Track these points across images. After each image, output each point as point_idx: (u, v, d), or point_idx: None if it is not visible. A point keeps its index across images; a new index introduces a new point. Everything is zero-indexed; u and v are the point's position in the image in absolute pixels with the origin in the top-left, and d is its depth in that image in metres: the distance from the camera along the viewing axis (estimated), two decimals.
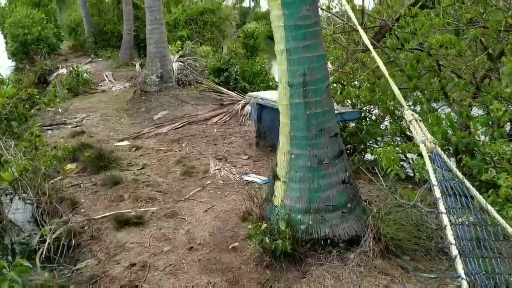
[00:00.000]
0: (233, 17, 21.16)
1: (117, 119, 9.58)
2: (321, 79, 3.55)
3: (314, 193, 3.66)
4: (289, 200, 3.75)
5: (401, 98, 2.71)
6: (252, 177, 5.96)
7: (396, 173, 3.98)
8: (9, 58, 22.64)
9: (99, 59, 21.91)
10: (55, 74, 17.94)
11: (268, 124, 7.11)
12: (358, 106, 6.63)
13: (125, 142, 7.92)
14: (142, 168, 6.68)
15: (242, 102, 9.46)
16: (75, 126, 9.19)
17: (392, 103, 5.54)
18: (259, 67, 12.31)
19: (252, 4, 74.23)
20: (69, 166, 7.05)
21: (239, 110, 9.24)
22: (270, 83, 12.52)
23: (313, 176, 3.64)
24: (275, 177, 3.95)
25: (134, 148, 7.53)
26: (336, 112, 5.39)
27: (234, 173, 6.23)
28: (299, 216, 3.68)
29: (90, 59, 21.76)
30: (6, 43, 23.16)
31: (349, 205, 3.76)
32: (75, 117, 9.81)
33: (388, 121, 6.49)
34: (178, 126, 8.54)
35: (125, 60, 19.17)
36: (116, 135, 8.48)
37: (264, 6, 74.28)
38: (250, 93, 7.26)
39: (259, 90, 11.79)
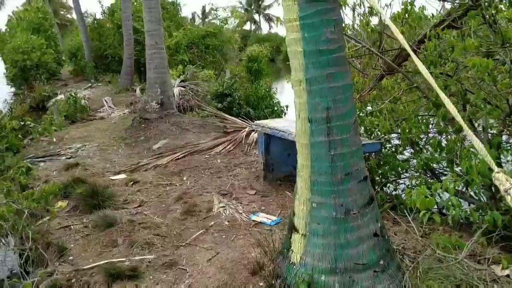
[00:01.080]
0: (235, 40, 20.82)
1: (115, 149, 9.01)
2: (347, 113, 2.98)
3: (341, 249, 3.04)
4: (310, 257, 3.13)
5: (487, 156, 1.96)
6: (261, 217, 5.34)
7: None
8: (7, 84, 22.26)
9: (99, 84, 21.54)
10: (53, 100, 17.49)
11: (277, 156, 6.54)
12: (375, 136, 6.07)
13: (122, 176, 7.32)
14: (139, 206, 6.07)
15: (247, 129, 8.90)
16: (70, 158, 8.62)
17: (415, 131, 4.95)
18: (263, 91, 11.80)
19: (253, 27, 74.91)
20: (59, 203, 6.47)
21: (243, 138, 8.68)
22: (275, 108, 12.00)
23: (339, 229, 3.03)
24: (293, 228, 3.33)
25: (131, 183, 6.92)
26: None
27: (240, 211, 5.61)
28: (323, 278, 3.06)
29: (89, 84, 21.39)
30: (6, 69, 22.88)
31: (381, 262, 3.14)
32: (70, 148, 9.25)
33: (407, 151, 5.92)
34: (179, 157, 7.96)
35: (125, 85, 18.77)
36: (112, 167, 7.89)
37: (265, 28, 74.92)
38: (257, 122, 6.70)
39: (264, 115, 11.30)
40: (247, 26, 69.80)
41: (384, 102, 4.96)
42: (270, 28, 75.42)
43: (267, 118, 11.32)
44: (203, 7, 64.78)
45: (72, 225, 5.63)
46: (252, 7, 71.79)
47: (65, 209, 6.29)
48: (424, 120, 5.33)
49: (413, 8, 4.81)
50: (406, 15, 4.73)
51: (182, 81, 14.30)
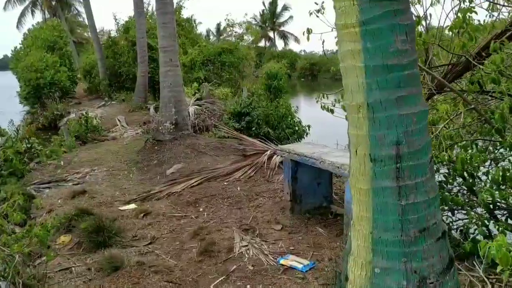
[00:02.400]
0: (251, 57, 20.25)
1: (125, 175, 8.33)
2: (422, 149, 2.23)
3: None
4: None
5: None
6: (290, 261, 4.56)
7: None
8: (20, 102, 21.94)
9: (113, 102, 21.10)
10: (65, 119, 17.04)
11: (305, 185, 5.79)
12: None
13: (132, 206, 6.62)
14: (149, 244, 5.34)
15: (268, 152, 8.17)
16: (77, 184, 7.96)
17: (475, 161, 4.15)
18: (284, 110, 11.08)
19: (268, 44, 74.81)
20: (62, 238, 5.80)
21: (265, 161, 7.94)
22: (296, 128, 11.25)
23: None
24: None
25: (142, 214, 6.21)
26: None
27: (266, 252, 4.84)
28: None
29: (103, 103, 20.97)
30: (21, 87, 22.62)
31: None
32: (78, 172, 8.60)
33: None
34: (195, 184, 7.24)
35: (139, 103, 18.27)
36: (122, 195, 7.20)
37: (279, 45, 74.79)
38: (281, 147, 5.97)
39: (284, 136, 10.56)
40: (261, 43, 69.74)
41: (438, 128, 4.17)
42: (285, 45, 75.31)
43: (288, 139, 10.60)
44: (218, 24, 64.91)
45: (74, 266, 4.91)
46: (267, 24, 71.81)
47: (68, 244, 5.61)
48: (483, 148, 4.54)
49: (471, 17, 4.05)
50: (465, 24, 3.97)
51: (197, 99, 13.69)
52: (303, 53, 70.17)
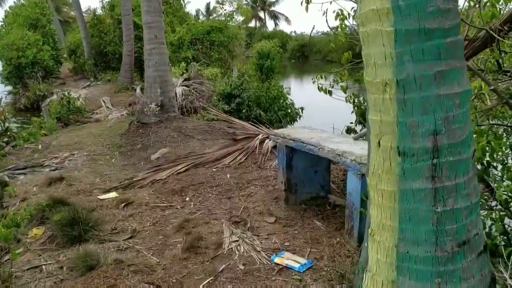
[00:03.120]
0: (241, 36, 19.53)
1: (107, 160, 7.78)
2: (465, 141, 1.73)
3: None
4: None
5: None
6: (286, 259, 4.09)
7: None
8: (1, 82, 21.08)
9: (98, 83, 20.38)
10: (48, 100, 16.32)
11: (301, 173, 5.31)
12: None
13: (113, 194, 6.10)
14: (130, 238, 4.84)
15: (260, 136, 7.66)
16: (55, 169, 7.40)
17: (499, 152, 3.68)
18: (276, 91, 10.53)
19: (258, 24, 73.66)
20: (34, 231, 5.28)
21: (256, 146, 7.44)
22: (289, 110, 10.72)
23: None
24: None
25: (123, 204, 5.70)
26: None
27: (258, 248, 4.37)
28: None
29: (88, 83, 20.26)
30: (2, 66, 21.73)
31: None
32: (56, 157, 8.03)
33: None
34: (181, 170, 6.72)
35: (125, 84, 17.60)
36: (102, 182, 6.67)
37: (270, 26, 73.73)
38: (276, 131, 5.45)
39: (276, 119, 10.04)
40: (252, 23, 68.67)
41: None
42: (275, 26, 74.29)
43: (280, 122, 10.09)
44: (207, 4, 63.61)
45: (45, 264, 4.41)
46: (257, 3, 70.60)
47: (41, 238, 5.10)
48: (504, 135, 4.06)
49: None
50: None
51: (185, 80, 13.08)
52: (293, 34, 69.24)
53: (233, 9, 20.64)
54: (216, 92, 11.28)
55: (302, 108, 10.76)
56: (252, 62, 12.99)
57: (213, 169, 6.75)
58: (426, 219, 1.76)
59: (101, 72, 21.34)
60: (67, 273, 4.19)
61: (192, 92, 11.75)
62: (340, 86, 5.82)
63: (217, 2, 18.43)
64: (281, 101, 10.57)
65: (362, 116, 6.53)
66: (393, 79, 1.67)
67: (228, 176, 6.46)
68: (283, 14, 74.77)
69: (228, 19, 18.04)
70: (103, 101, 15.00)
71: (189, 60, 15.41)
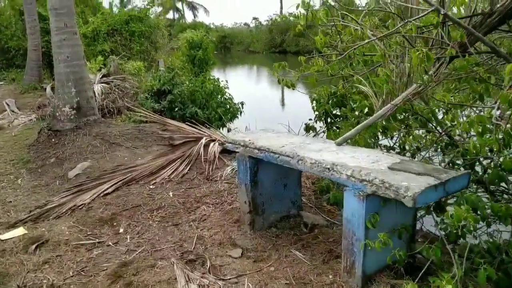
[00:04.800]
0: (163, 25, 17.96)
1: (11, 181, 6.17)
2: None
3: None
4: None
5: None
6: None
7: None
8: None
9: (0, 83, 17.85)
10: None
11: (269, 190, 4.22)
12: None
13: (19, 231, 4.62)
14: None
15: (203, 140, 6.46)
16: None
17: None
18: (212, 85, 9.33)
19: (176, 15, 71.44)
20: None
21: (200, 152, 6.24)
22: (228, 106, 9.57)
23: None
24: None
25: (34, 246, 4.26)
26: (433, 180, 2.81)
27: None
28: None
29: None
30: None
31: None
32: None
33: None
34: (109, 191, 5.36)
35: (32, 83, 15.38)
36: (4, 214, 5.12)
37: (189, 17, 71.90)
38: (233, 137, 4.27)
39: (216, 117, 8.86)
40: (169, 15, 66.45)
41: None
42: (194, 17, 72.73)
43: (220, 120, 8.93)
44: None
45: None
46: None
47: None
48: None
49: None
50: None
51: (104, 76, 11.42)
52: (212, 26, 68.10)
53: None
54: (142, 88, 9.85)
55: (242, 103, 9.68)
56: (181, 54, 11.65)
57: (151, 186, 5.47)
58: None
59: (3, 70, 18.75)
60: None
61: (114, 89, 10.19)
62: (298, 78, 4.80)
63: None
64: (219, 96, 9.40)
65: (325, 112, 5.58)
66: None
67: (171, 194, 5.22)
68: (201, 5, 73.29)
69: (148, 7, 16.41)
70: (7, 104, 12.83)
71: (107, 54, 13.70)
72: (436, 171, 3.05)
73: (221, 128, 9.03)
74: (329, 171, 3.24)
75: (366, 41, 3.39)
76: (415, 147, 4.23)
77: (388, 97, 3.69)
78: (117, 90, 10.23)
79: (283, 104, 19.45)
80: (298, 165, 3.48)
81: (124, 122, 8.41)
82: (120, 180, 5.57)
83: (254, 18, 78.98)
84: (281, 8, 73.79)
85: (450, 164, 3.67)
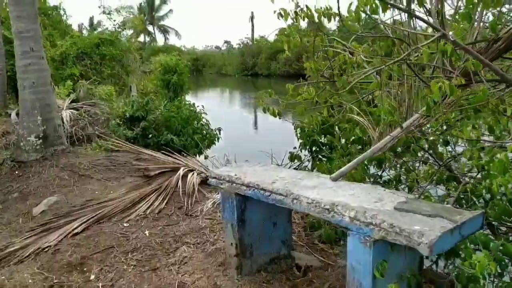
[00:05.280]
0: (135, 49, 17.52)
1: None
2: None
3: None
4: None
5: None
6: None
7: None
8: None
9: None
10: None
11: (258, 229, 3.85)
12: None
13: None
14: None
15: (181, 171, 6.06)
16: None
17: None
18: (188, 111, 8.95)
19: (148, 38, 71.16)
20: None
21: (178, 184, 5.84)
22: (204, 132, 9.20)
23: None
24: None
25: None
26: (447, 223, 2.51)
27: None
28: None
29: None
30: None
31: None
32: None
33: None
34: (79, 230, 4.88)
35: None
36: None
37: (160, 40, 71.73)
38: (217, 172, 3.88)
39: (191, 144, 8.47)
40: (141, 38, 66.09)
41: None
42: (166, 40, 72.72)
43: (197, 147, 8.54)
44: (91, 18, 59.70)
45: None
46: (146, 17, 68.21)
47: None
48: None
49: None
50: None
51: (73, 101, 10.89)
52: (184, 48, 68.18)
53: (124, 17, 18.53)
54: (114, 114, 9.38)
55: (219, 129, 9.33)
56: (155, 78, 11.25)
57: (124, 224, 5.01)
58: None
59: None
60: None
61: (84, 116, 9.66)
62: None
63: (103, 12, 16.22)
64: (195, 122, 9.03)
65: (312, 140, 5.30)
66: None
67: (147, 232, 4.77)
68: (173, 28, 73.40)
69: (120, 30, 15.98)
70: None
71: (76, 78, 13.15)
72: (447, 211, 2.76)
73: (197, 155, 8.64)
74: (328, 212, 2.90)
75: (366, 70, 3.12)
76: (412, 180, 3.96)
77: (387, 128, 3.41)
78: (87, 116, 9.71)
79: (256, 127, 19.26)
80: (292, 204, 3.14)
81: (94, 150, 7.91)
82: (91, 218, 5.09)
83: (226, 42, 79.51)
84: (253, 31, 74.55)
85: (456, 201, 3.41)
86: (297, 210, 3.21)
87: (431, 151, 3.92)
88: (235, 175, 3.66)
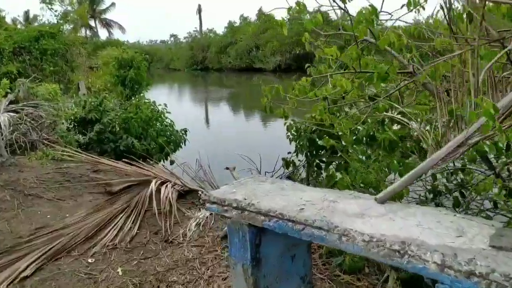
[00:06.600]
0: (80, 42, 15.99)
1: None
2: None
3: None
4: None
5: None
6: None
7: None
8: None
9: None
10: None
11: (275, 268, 2.94)
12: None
13: None
14: None
15: (153, 183, 5.04)
16: None
17: None
18: (149, 110, 7.86)
19: (89, 33, 67.89)
20: None
21: (150, 200, 4.82)
22: (168, 133, 8.13)
23: None
24: None
25: None
26: None
27: None
28: None
29: None
30: None
31: None
32: None
33: None
34: (27, 272, 3.76)
35: None
36: None
37: (103, 35, 68.71)
38: (216, 195, 2.93)
39: (156, 148, 7.41)
40: (81, 33, 62.97)
41: None
42: (109, 35, 69.86)
43: (161, 151, 7.49)
44: (26, 12, 56.09)
45: None
46: (86, 11, 64.96)
47: None
48: None
49: None
50: None
51: (11, 102, 9.49)
52: (128, 43, 65.71)
53: (65, 8, 16.87)
54: (61, 117, 8.11)
55: (185, 130, 8.29)
56: (104, 74, 10.01)
57: (89, 260, 3.94)
58: None
59: None
60: None
61: (25, 119, 8.34)
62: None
63: (43, 1, 14.57)
64: (158, 123, 7.95)
65: (311, 143, 4.46)
66: None
67: (120, 270, 3.74)
68: (116, 22, 70.51)
69: (62, 21, 14.43)
70: None
71: (13, 76, 11.63)
72: None
73: (163, 160, 7.60)
74: (401, 256, 2.06)
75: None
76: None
77: (446, 132, 2.62)
78: (29, 120, 8.40)
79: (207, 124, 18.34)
80: (340, 243, 2.27)
81: (40, 160, 6.70)
82: (44, 253, 3.98)
83: (172, 35, 77.24)
84: (201, 24, 72.99)
85: None
86: (350, 251, 2.33)
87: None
88: (245, 199, 2.74)
